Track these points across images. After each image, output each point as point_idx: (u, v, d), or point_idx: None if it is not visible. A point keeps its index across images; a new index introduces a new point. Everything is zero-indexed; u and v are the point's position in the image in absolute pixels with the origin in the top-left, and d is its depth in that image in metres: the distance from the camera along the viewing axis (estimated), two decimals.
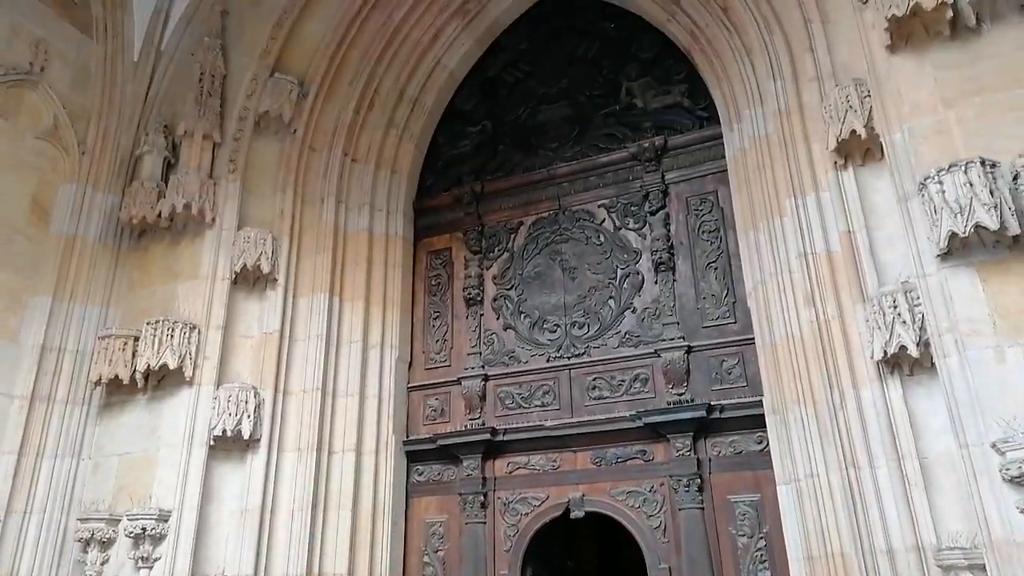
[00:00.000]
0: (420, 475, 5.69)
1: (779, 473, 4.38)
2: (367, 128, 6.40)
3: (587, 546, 6.96)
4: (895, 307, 3.81)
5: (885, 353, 3.79)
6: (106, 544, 4.79)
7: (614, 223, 5.81)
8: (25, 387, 5.07)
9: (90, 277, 5.52)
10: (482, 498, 5.34)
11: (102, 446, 5.18)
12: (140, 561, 4.65)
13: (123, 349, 5.16)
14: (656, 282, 5.47)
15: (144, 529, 4.62)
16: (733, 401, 4.90)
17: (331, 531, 5.13)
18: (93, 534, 4.77)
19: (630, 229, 5.74)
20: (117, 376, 5.12)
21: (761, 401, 4.63)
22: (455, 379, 5.84)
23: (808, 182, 4.51)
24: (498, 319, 5.96)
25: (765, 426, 4.58)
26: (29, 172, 5.48)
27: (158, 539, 4.68)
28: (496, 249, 6.18)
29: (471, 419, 5.66)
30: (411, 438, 5.77)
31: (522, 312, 5.88)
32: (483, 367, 5.79)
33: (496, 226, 6.25)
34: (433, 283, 6.29)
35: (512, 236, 6.17)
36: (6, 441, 4.92)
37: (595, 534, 6.83)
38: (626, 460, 5.12)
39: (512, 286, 6.01)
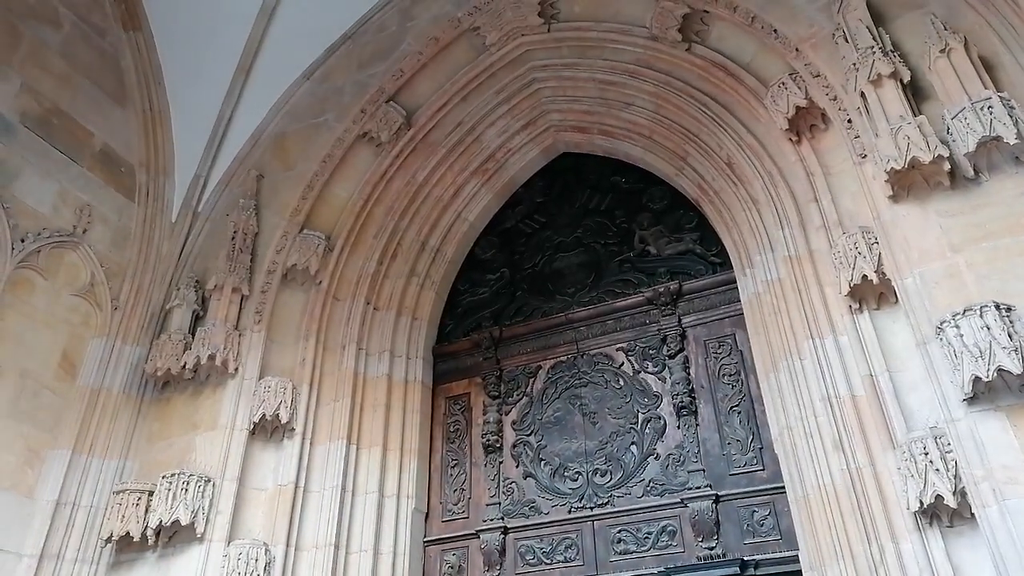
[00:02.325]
0: None
1: None
2: (390, 277, 6.62)
3: None
4: (926, 454, 3.68)
5: (921, 503, 3.62)
6: None
7: (633, 366, 5.80)
8: (35, 545, 4.94)
9: (111, 430, 5.53)
10: None
11: None
12: None
13: (137, 504, 5.06)
14: (679, 427, 5.37)
15: None
16: (768, 556, 4.64)
17: None
18: None
19: (649, 372, 5.72)
20: (128, 533, 4.99)
21: (797, 556, 4.38)
22: (473, 532, 5.61)
23: (825, 325, 4.53)
24: (517, 467, 5.82)
25: None
26: (62, 327, 5.67)
27: None
28: (515, 394, 6.16)
29: None
30: None
31: (542, 459, 5.75)
32: (502, 518, 5.59)
33: (515, 370, 6.26)
34: (451, 429, 6.22)
35: (531, 380, 6.17)
36: None
37: None
38: None
39: (531, 431, 5.92)
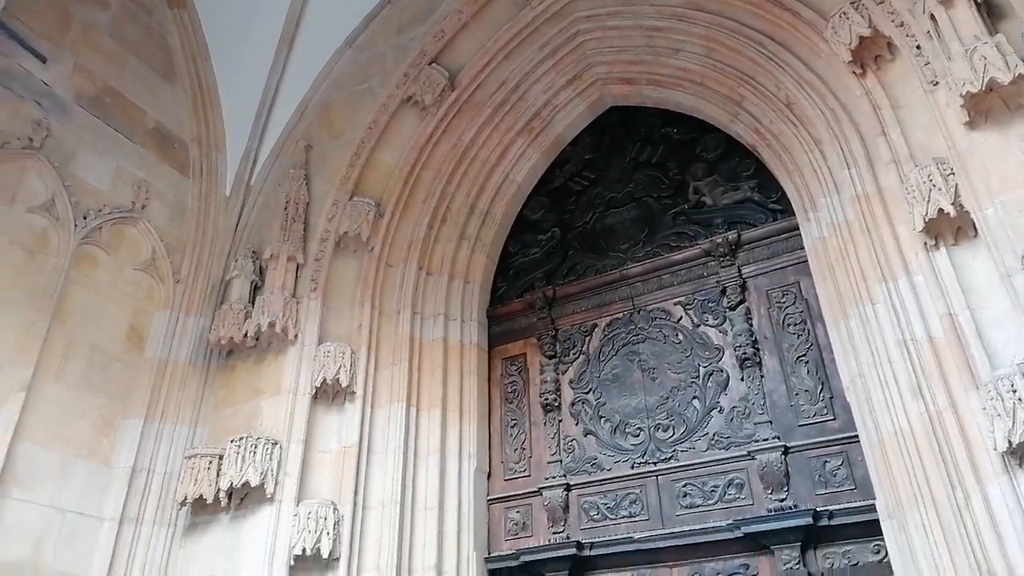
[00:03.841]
0: None
1: None
2: (440, 241, 6.59)
3: None
4: (1014, 391, 3.47)
5: (1010, 443, 3.41)
6: None
7: (692, 320, 5.66)
8: (115, 509, 5.14)
9: (180, 398, 5.69)
10: None
11: (186, 569, 5.14)
12: None
13: (208, 468, 5.21)
14: (742, 379, 5.23)
15: None
16: (842, 506, 4.49)
17: None
18: None
19: (709, 326, 5.57)
20: (202, 496, 5.14)
21: (874, 505, 4.23)
22: (536, 490, 5.60)
23: (898, 266, 4.31)
24: (577, 424, 5.77)
25: (881, 533, 4.15)
26: (127, 301, 5.82)
27: None
28: (571, 353, 6.09)
29: (555, 532, 5.37)
30: (493, 555, 5.49)
31: (602, 416, 5.69)
32: (564, 476, 5.56)
33: (570, 329, 6.19)
34: (509, 390, 6.21)
35: (587, 339, 6.09)
36: (95, 566, 4.94)
37: None
38: None
39: (590, 390, 5.85)
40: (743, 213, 5.83)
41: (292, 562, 4.88)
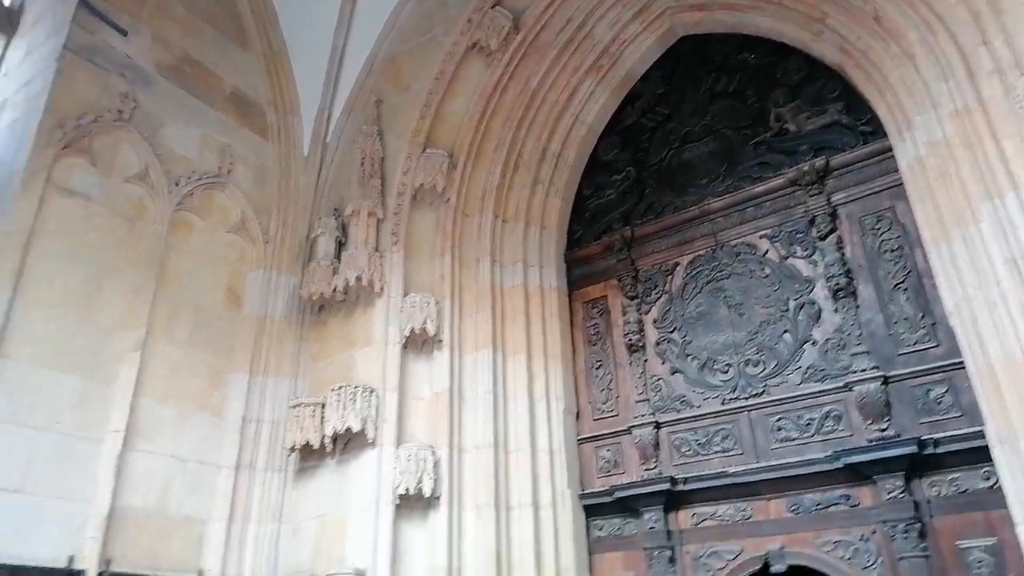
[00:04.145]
0: (600, 530, 5.50)
1: (1017, 513, 3.80)
2: (514, 188, 6.59)
3: None
4: None
5: None
6: None
7: (779, 253, 5.52)
8: (231, 457, 5.52)
9: (279, 352, 6.01)
10: (669, 553, 5.06)
11: (298, 510, 5.49)
12: None
13: (312, 416, 5.50)
14: (836, 310, 5.09)
15: None
16: (949, 434, 4.37)
17: None
18: None
19: (798, 257, 5.42)
20: (308, 442, 5.45)
21: (983, 431, 4.11)
22: (625, 428, 5.67)
23: (1004, 181, 4.07)
24: (663, 364, 5.77)
25: (991, 459, 4.04)
26: (221, 264, 6.10)
27: None
28: (653, 293, 6.05)
29: (647, 469, 5.45)
30: (587, 491, 5.62)
31: (688, 354, 5.67)
32: (653, 414, 5.59)
33: (651, 269, 6.14)
34: (592, 332, 6.24)
35: (669, 278, 6.03)
36: (217, 508, 5.34)
37: None
38: (828, 506, 4.68)
39: (674, 328, 5.82)
40: (830, 138, 5.58)
41: (397, 501, 5.14)
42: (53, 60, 5.24)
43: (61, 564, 4.47)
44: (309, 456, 5.58)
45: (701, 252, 5.92)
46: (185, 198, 5.90)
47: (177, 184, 5.85)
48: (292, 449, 5.55)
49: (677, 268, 6.02)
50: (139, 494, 4.99)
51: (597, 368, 6.08)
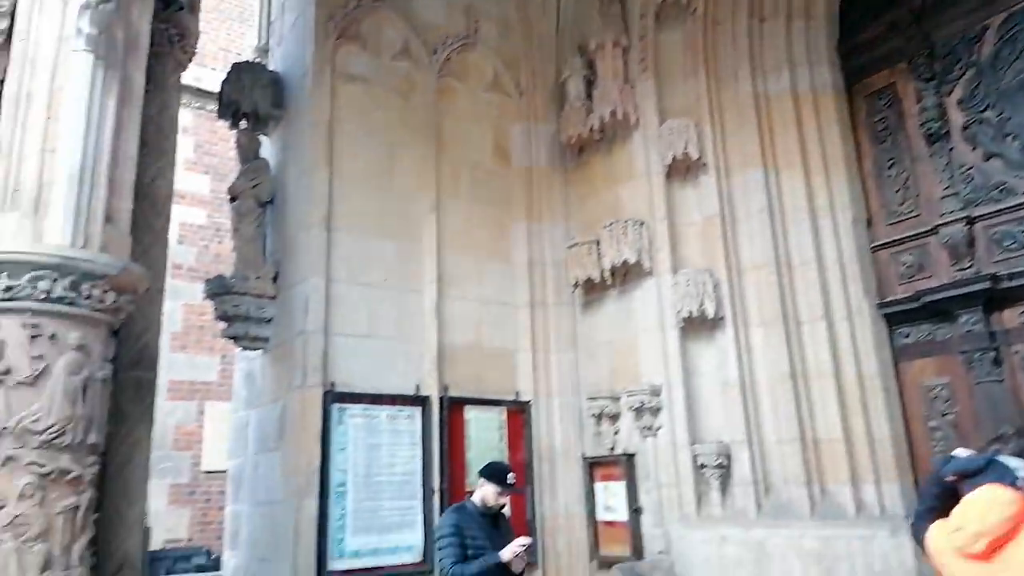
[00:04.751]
0: (906, 337, 5.14)
1: None
2: None
3: None
4: None
5: None
6: (614, 418, 5.59)
7: None
8: (524, 296, 6.15)
9: (549, 198, 6.38)
10: (993, 354, 4.59)
11: (590, 337, 6.00)
12: (645, 430, 5.29)
13: (589, 254, 5.81)
14: None
15: (642, 403, 5.21)
16: None
17: (816, 400, 5.02)
18: (602, 410, 5.64)
19: None
20: (589, 277, 5.81)
21: None
22: (929, 228, 5.08)
23: None
24: (975, 149, 4.97)
25: None
26: (485, 121, 6.47)
27: (655, 411, 5.24)
28: (956, 68, 5.12)
29: (959, 270, 4.88)
30: (887, 299, 5.24)
31: (1007, 134, 4.79)
32: (964, 208, 4.92)
33: (950, 41, 5.16)
34: (880, 129, 5.53)
35: (975, 47, 5.04)
36: (521, 341, 6.07)
37: None
38: None
39: (987, 106, 4.92)
40: None
41: (681, 324, 5.33)
42: None
43: (410, 392, 5.48)
44: (592, 290, 5.95)
45: (1016, 6, 4.82)
46: (444, 64, 6.27)
47: (435, 52, 6.22)
48: (575, 285, 5.97)
49: (986, 33, 4.99)
50: (458, 332, 5.81)
51: (889, 168, 5.44)
